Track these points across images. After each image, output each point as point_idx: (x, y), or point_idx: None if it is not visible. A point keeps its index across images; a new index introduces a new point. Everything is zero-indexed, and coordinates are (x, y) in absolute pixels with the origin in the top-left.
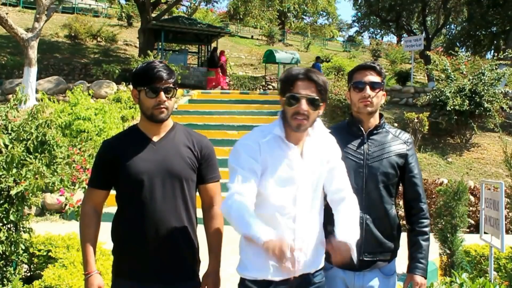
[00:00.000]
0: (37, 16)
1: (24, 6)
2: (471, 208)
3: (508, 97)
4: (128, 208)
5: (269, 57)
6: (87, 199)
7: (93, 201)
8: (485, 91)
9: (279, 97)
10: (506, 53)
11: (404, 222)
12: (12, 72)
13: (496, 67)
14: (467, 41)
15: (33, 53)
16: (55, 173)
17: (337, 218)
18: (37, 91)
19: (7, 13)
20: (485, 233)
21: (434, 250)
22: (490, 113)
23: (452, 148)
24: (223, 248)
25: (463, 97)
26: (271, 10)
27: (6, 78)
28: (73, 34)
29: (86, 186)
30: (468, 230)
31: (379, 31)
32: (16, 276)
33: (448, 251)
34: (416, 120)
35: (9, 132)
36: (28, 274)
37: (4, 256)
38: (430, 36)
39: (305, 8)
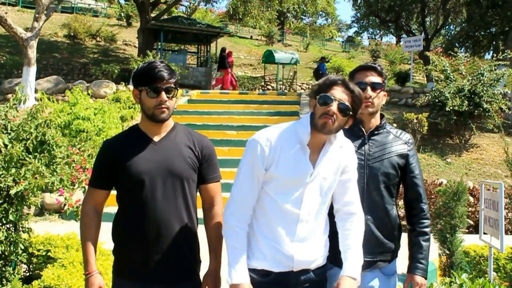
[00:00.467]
0: (37, 15)
1: (23, 5)
2: (470, 209)
3: (507, 98)
4: (129, 208)
5: (268, 57)
6: (87, 199)
7: (93, 201)
8: (484, 91)
9: (310, 99)
10: (505, 53)
11: (404, 222)
12: (11, 72)
13: (495, 67)
14: (466, 41)
15: (32, 53)
16: (55, 173)
17: (345, 245)
18: (36, 91)
19: (6, 13)
20: (484, 233)
21: (433, 251)
22: (489, 113)
23: (451, 149)
24: (224, 248)
25: (462, 97)
26: (270, 10)
27: (5, 77)
28: (72, 34)
29: (86, 186)
30: (467, 230)
31: (378, 31)
32: (15, 276)
33: (447, 252)
34: (415, 121)
35: (9, 131)
36: (27, 274)
37: (3, 256)
38: (429, 36)
39: (305, 8)
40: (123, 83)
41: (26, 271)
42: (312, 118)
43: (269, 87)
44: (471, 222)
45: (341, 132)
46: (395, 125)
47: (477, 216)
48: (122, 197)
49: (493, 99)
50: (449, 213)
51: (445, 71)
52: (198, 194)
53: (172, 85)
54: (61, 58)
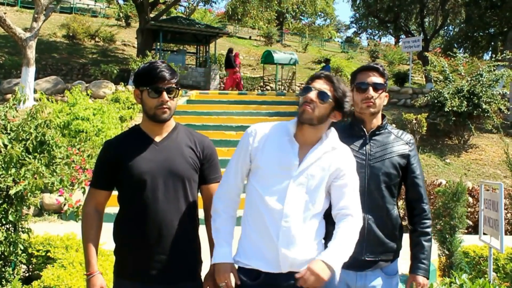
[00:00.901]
0: (35, 15)
1: (22, 5)
2: (469, 209)
3: (506, 99)
4: (130, 208)
5: (267, 58)
6: (89, 200)
7: (95, 201)
8: (483, 92)
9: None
10: (504, 54)
11: (405, 222)
12: (10, 72)
13: (494, 68)
14: (465, 42)
15: (31, 53)
16: (55, 173)
17: (333, 237)
18: (35, 91)
19: (5, 13)
20: (484, 234)
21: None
22: (488, 114)
23: (450, 149)
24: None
25: (461, 98)
26: (269, 11)
27: (4, 78)
28: (71, 34)
29: (85, 187)
30: (466, 231)
31: (377, 32)
32: (15, 276)
33: (447, 252)
34: (414, 121)
35: (8, 132)
36: (27, 275)
37: (2, 256)
38: (428, 37)
39: (304, 9)
40: (122, 84)
41: (26, 272)
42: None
43: (268, 87)
44: (470, 223)
45: (335, 134)
46: (394, 125)
47: (476, 216)
48: (123, 198)
49: (492, 100)
50: (449, 213)
51: (444, 72)
52: (199, 194)
53: (174, 85)
54: (60, 58)
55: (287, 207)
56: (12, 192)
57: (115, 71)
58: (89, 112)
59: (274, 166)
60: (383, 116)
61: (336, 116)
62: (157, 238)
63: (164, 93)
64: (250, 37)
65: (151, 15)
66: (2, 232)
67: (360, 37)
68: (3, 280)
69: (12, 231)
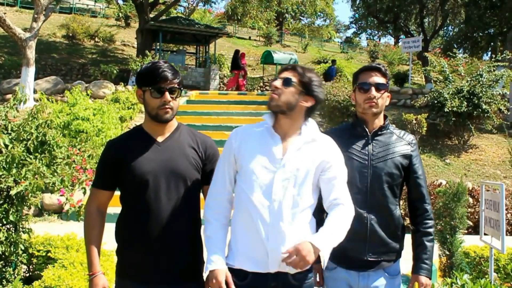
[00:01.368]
0: (35, 16)
1: (21, 6)
2: (469, 210)
3: (505, 99)
4: (132, 208)
5: (267, 58)
6: (91, 200)
7: (97, 201)
8: (483, 92)
9: None
10: (504, 54)
11: (407, 222)
12: (10, 72)
13: (494, 68)
14: (464, 42)
15: (31, 53)
16: (55, 173)
17: (325, 223)
18: (35, 91)
19: (5, 13)
20: (485, 234)
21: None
22: (488, 114)
23: (450, 150)
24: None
25: (461, 98)
26: (269, 11)
27: (3, 78)
28: (70, 34)
29: (86, 187)
30: (466, 231)
31: (376, 32)
32: (16, 276)
33: (447, 252)
34: (414, 122)
35: (9, 132)
36: (27, 275)
37: (3, 256)
38: (428, 37)
39: (303, 9)
40: (122, 84)
41: (26, 272)
42: None
43: (268, 87)
44: (470, 223)
45: (314, 125)
46: (394, 126)
47: (477, 217)
48: (125, 198)
49: (492, 100)
50: (449, 213)
51: (444, 72)
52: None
53: (176, 85)
54: (59, 58)
55: (275, 203)
56: (13, 192)
57: (114, 71)
58: (89, 112)
59: (257, 162)
60: (385, 117)
61: (307, 101)
62: (159, 238)
63: (167, 93)
64: (249, 37)
65: (151, 15)
66: (3, 232)
67: (360, 38)
68: (4, 280)
69: (13, 231)
